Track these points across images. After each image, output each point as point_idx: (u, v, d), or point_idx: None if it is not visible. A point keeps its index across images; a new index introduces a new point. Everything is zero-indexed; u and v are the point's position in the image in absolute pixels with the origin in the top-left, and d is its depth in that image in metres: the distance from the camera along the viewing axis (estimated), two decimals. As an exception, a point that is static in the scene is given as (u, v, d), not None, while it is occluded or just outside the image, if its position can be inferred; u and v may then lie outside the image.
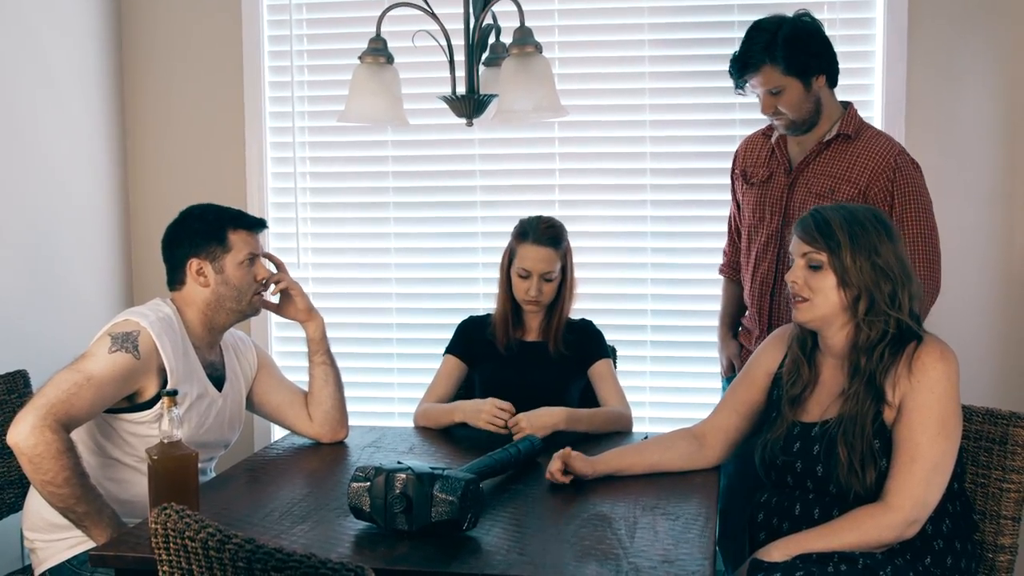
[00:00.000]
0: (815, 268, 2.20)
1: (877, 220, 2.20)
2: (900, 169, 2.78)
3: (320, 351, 2.78)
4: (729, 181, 3.18)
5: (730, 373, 3.17)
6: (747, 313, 3.09)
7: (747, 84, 2.85)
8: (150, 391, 2.43)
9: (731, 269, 3.22)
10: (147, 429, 2.44)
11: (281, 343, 3.87)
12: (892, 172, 2.78)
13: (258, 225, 2.64)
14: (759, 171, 2.99)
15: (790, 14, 2.83)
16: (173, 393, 2.09)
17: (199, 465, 2.17)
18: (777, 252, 2.91)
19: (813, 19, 2.83)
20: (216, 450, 2.68)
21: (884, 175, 2.78)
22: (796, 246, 2.24)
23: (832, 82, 2.86)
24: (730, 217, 3.21)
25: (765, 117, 2.90)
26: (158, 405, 2.41)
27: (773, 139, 2.97)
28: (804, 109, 2.81)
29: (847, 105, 2.91)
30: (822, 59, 2.81)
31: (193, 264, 2.56)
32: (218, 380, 2.63)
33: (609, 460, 2.43)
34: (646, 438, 2.68)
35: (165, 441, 2.08)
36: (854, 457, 2.13)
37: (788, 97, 2.79)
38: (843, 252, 2.16)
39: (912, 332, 2.18)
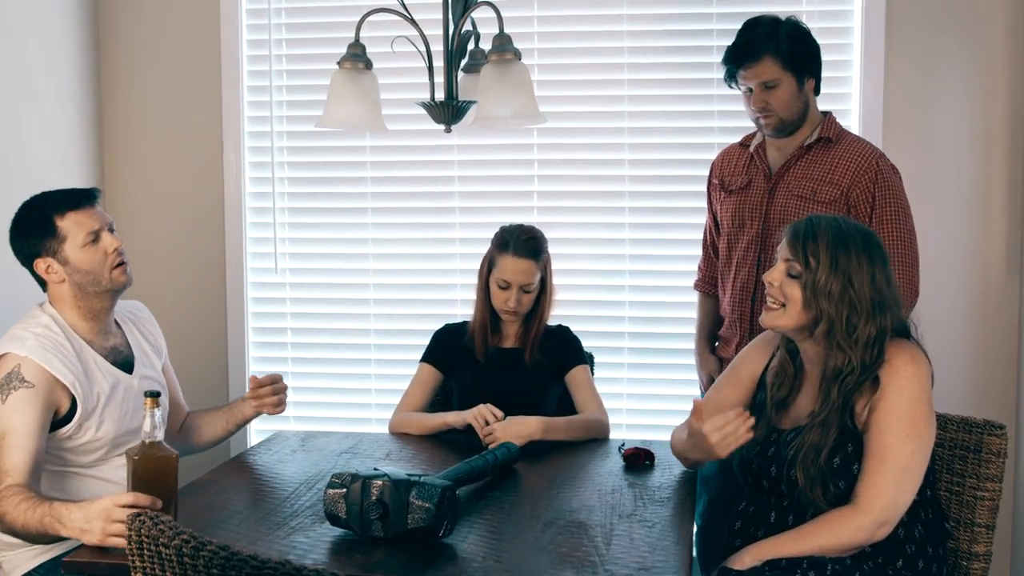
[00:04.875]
0: (792, 276, 2.20)
1: (864, 243, 2.17)
2: (882, 172, 2.81)
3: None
4: (705, 193, 3.17)
5: None
6: (724, 325, 3.08)
7: (738, 77, 2.84)
8: (64, 406, 2.38)
9: (706, 284, 3.20)
10: (73, 442, 2.40)
11: (259, 349, 3.86)
12: (874, 174, 2.80)
13: (85, 200, 2.48)
14: (737, 179, 2.99)
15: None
16: (156, 394, 2.07)
17: None
18: (758, 257, 2.91)
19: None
20: None
21: (866, 176, 2.80)
22: (782, 248, 2.23)
23: (817, 89, 2.90)
24: (705, 231, 3.21)
25: (743, 125, 2.90)
26: (77, 416, 2.38)
27: (752, 147, 2.99)
28: (794, 109, 2.83)
29: (826, 113, 2.94)
30: (815, 61, 2.86)
31: (39, 264, 2.44)
32: (126, 363, 2.56)
33: None
34: (623, 445, 2.68)
35: (146, 441, 2.06)
36: (806, 483, 2.14)
37: (781, 93, 2.80)
38: (818, 272, 2.14)
39: (879, 360, 2.16)
